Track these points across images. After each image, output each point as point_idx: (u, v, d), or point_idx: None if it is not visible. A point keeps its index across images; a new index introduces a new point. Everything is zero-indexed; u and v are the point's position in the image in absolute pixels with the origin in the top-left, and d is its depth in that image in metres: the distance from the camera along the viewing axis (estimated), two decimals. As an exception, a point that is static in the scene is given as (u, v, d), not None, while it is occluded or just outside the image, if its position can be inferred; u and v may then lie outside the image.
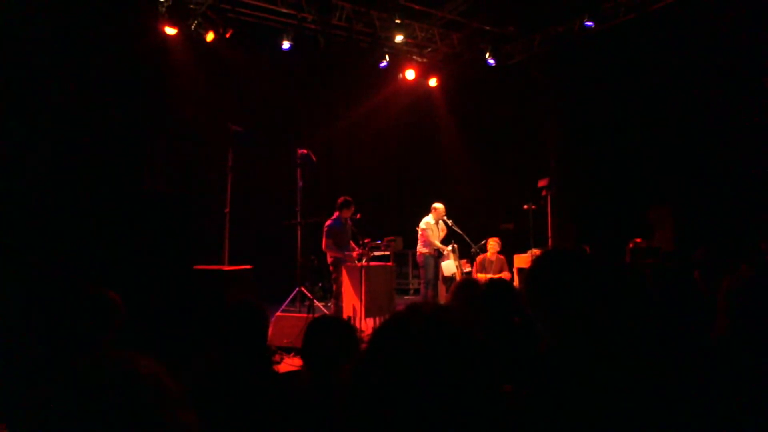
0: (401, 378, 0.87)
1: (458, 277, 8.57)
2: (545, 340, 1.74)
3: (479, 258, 9.14)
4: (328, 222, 7.82)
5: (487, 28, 10.64)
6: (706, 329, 2.37)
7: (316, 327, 2.62)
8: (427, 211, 8.93)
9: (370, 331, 7.12)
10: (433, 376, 0.87)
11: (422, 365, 0.87)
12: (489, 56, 10.80)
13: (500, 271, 9.02)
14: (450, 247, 8.92)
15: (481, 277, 8.98)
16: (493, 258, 9.10)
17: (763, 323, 2.01)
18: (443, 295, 8.46)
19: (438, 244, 8.67)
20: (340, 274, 7.73)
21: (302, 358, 2.64)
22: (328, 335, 2.54)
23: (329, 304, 8.51)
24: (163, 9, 8.49)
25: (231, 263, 7.09)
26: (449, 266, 8.88)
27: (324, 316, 3.22)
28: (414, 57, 11.51)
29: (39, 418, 0.79)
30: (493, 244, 9.10)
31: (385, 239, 7.61)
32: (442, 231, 8.84)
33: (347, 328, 2.66)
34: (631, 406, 1.45)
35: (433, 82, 11.81)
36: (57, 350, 2.64)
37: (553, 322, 1.66)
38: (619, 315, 1.92)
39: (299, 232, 8.02)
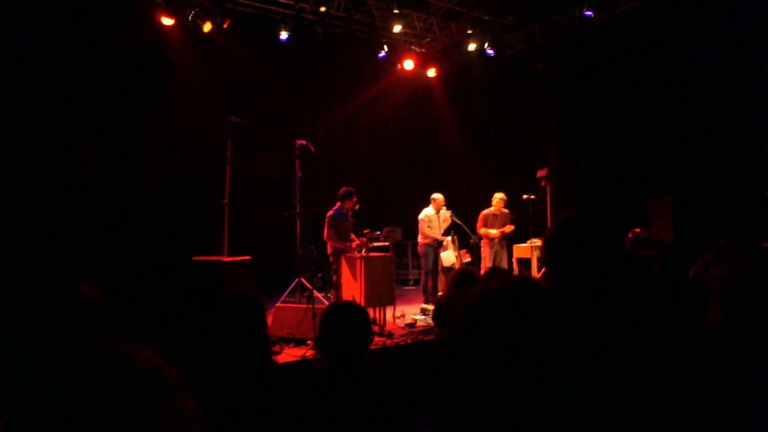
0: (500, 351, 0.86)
1: (458, 267, 8.58)
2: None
3: (483, 213, 9.13)
4: (330, 212, 7.82)
5: (487, 17, 10.59)
6: (700, 317, 2.38)
7: (334, 313, 2.61)
8: (426, 201, 8.94)
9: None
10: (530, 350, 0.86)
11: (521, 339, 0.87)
12: (488, 46, 10.75)
13: (503, 226, 9.04)
14: (449, 238, 8.93)
15: (484, 232, 9.02)
16: (498, 213, 9.10)
17: (755, 311, 2.01)
18: (443, 286, 8.47)
19: (432, 233, 8.67)
20: (339, 264, 7.74)
21: (319, 345, 2.63)
22: (347, 320, 2.53)
23: (329, 295, 8.53)
24: (160, -1, 8.45)
25: (230, 254, 7.09)
26: (449, 256, 8.90)
27: (339, 302, 3.21)
28: (413, 47, 11.47)
29: (36, 409, 0.79)
30: (498, 200, 9.10)
31: (385, 230, 7.61)
32: (444, 221, 8.85)
33: (363, 313, 2.66)
34: (634, 390, 1.45)
35: (431, 73, 11.77)
36: (43, 344, 2.61)
37: (571, 287, 1.63)
38: (631, 291, 1.90)
39: (298, 223, 8.02)
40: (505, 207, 9.15)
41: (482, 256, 9.21)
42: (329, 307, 2.70)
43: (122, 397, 0.81)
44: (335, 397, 2.36)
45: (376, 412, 2.36)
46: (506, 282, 0.98)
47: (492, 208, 9.09)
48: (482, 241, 9.15)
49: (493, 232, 8.99)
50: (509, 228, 9.05)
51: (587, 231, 1.66)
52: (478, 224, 9.10)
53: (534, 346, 0.88)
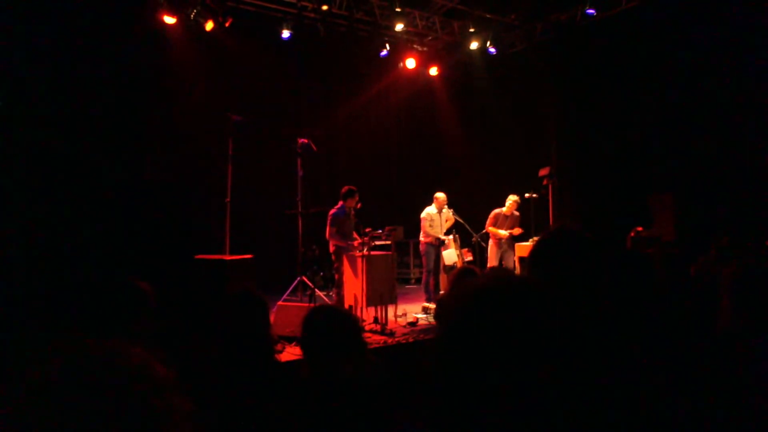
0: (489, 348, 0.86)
1: (459, 266, 8.58)
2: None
3: (494, 212, 9.16)
4: (333, 211, 7.81)
5: (489, 16, 10.57)
6: (709, 318, 2.38)
7: (315, 317, 2.60)
8: (427, 200, 8.95)
9: (371, 320, 7.15)
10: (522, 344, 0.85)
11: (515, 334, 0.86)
12: (490, 45, 10.74)
13: (512, 228, 9.07)
14: (451, 236, 8.93)
15: (493, 231, 9.06)
16: (509, 214, 9.13)
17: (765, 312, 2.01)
18: (444, 284, 8.48)
19: (434, 232, 8.69)
20: (341, 263, 7.73)
21: (301, 348, 2.63)
22: (327, 325, 2.52)
23: (331, 294, 8.53)
24: (162, -2, 8.45)
25: (232, 253, 7.10)
26: (450, 255, 8.90)
27: (322, 305, 3.22)
28: (414, 46, 11.45)
29: (29, 406, 0.79)
30: (511, 202, 9.13)
31: (386, 228, 7.60)
32: (447, 221, 8.86)
33: (346, 317, 2.65)
34: (633, 395, 1.45)
35: (433, 71, 11.76)
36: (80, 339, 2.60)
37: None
38: (623, 298, 1.92)
39: (300, 222, 8.02)
40: (516, 210, 9.19)
41: (489, 255, 9.22)
42: (309, 312, 2.67)
43: (114, 397, 0.81)
44: (314, 402, 2.36)
45: (354, 418, 2.35)
46: (495, 277, 0.98)
47: (504, 209, 9.13)
48: (490, 240, 9.19)
49: (503, 232, 9.03)
50: (517, 230, 9.09)
51: (568, 247, 1.69)
52: (488, 222, 9.14)
53: (523, 339, 0.88)
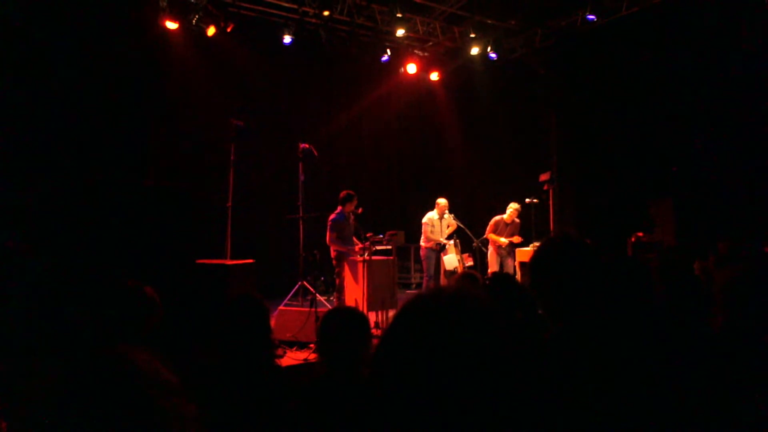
0: (424, 360, 0.88)
1: (460, 271, 8.58)
2: (548, 332, 1.77)
3: (495, 219, 9.19)
4: (332, 216, 7.82)
5: (489, 21, 10.60)
6: (706, 322, 2.39)
7: (334, 317, 2.61)
8: (428, 205, 8.96)
9: (372, 325, 7.14)
10: (457, 357, 0.87)
11: (446, 346, 0.88)
12: (491, 50, 10.77)
13: (511, 235, 9.09)
14: (452, 241, 8.94)
15: (493, 238, 9.08)
16: (509, 221, 9.15)
17: (757, 316, 2.02)
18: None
19: (435, 237, 8.71)
20: (342, 268, 7.74)
21: (318, 349, 2.64)
22: (345, 325, 2.53)
23: (332, 298, 8.53)
24: (164, 3, 8.48)
25: (233, 257, 7.10)
26: (451, 260, 8.90)
27: (340, 306, 3.23)
28: (415, 51, 11.48)
29: (40, 410, 0.80)
30: (512, 210, 9.15)
31: (387, 233, 7.61)
32: (449, 226, 8.88)
33: (363, 319, 2.66)
34: (631, 394, 1.46)
35: (434, 76, 11.79)
36: (89, 345, 2.62)
37: (556, 308, 1.68)
38: (621, 303, 1.94)
39: (301, 227, 8.02)
40: (517, 217, 9.21)
41: (489, 260, 9.23)
42: (328, 312, 2.71)
43: (122, 400, 0.82)
44: (330, 401, 2.37)
45: (370, 420, 2.35)
46: (435, 289, 1.00)
47: (505, 216, 9.14)
48: (490, 246, 9.21)
49: (503, 240, 9.04)
50: (517, 239, 9.11)
51: (566, 253, 1.71)
52: (488, 229, 9.16)
53: (442, 348, 0.90)
